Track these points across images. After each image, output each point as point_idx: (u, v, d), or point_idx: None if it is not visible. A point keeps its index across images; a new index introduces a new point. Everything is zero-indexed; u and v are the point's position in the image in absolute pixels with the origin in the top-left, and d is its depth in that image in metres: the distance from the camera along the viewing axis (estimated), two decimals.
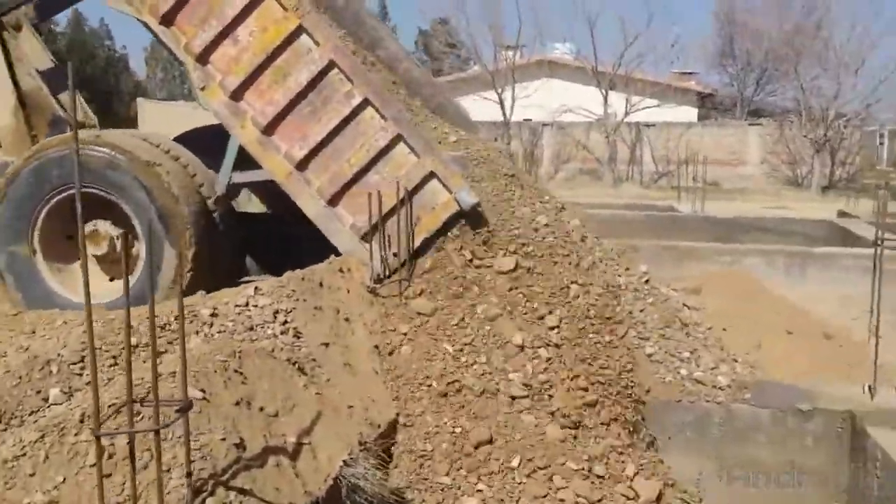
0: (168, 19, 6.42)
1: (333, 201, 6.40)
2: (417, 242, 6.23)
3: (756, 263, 10.45)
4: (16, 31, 7.73)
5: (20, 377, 3.76)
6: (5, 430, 3.50)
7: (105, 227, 6.53)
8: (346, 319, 5.37)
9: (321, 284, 5.38)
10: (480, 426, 5.03)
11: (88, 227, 6.49)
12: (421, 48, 48.99)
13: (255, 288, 5.14)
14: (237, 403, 3.84)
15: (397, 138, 6.29)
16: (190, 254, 6.31)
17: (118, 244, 6.50)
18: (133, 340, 4.16)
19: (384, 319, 5.56)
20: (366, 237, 6.27)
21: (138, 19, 6.54)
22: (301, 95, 6.36)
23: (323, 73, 6.32)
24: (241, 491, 3.45)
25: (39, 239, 6.52)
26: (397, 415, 5.05)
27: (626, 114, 31.29)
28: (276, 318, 4.91)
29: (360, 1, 8.34)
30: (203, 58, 6.45)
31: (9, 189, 6.47)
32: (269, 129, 6.43)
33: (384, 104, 6.34)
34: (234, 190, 6.96)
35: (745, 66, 39.93)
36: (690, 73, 40.48)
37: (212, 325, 4.65)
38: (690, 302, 7.32)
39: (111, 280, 6.63)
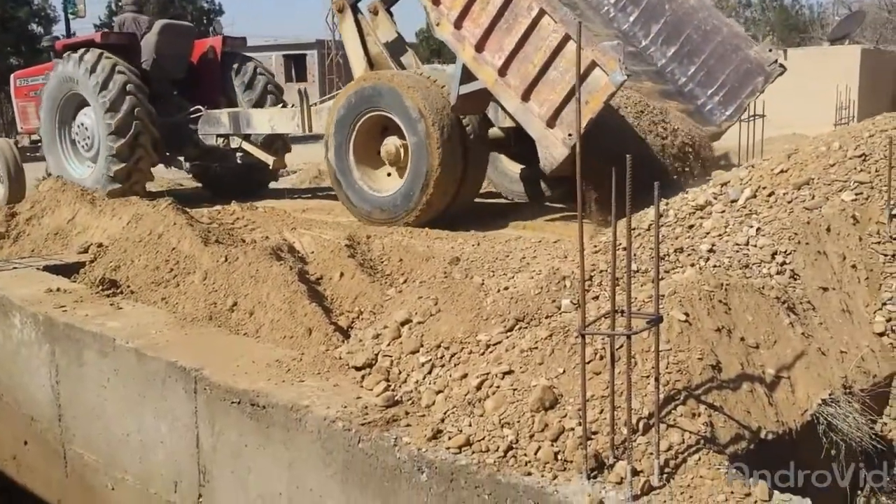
0: None
1: (525, 97, 8.00)
2: (584, 123, 7.26)
3: None
4: (374, 15, 10.53)
5: (541, 288, 4.58)
6: (526, 327, 4.35)
7: (393, 140, 9.11)
8: (853, 266, 5.24)
9: (828, 230, 5.31)
10: None
11: (385, 141, 9.24)
12: None
13: (757, 229, 5.31)
14: (717, 330, 4.16)
15: (566, 37, 7.65)
16: (437, 161, 8.59)
17: (402, 153, 9.00)
18: (634, 267, 4.74)
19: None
20: (549, 123, 7.88)
21: None
22: (499, 16, 8.07)
23: None
24: (712, 406, 3.80)
25: (354, 149, 9.33)
26: None
27: None
28: (773, 258, 5.02)
29: None
30: (436, 0, 8.49)
31: (337, 113, 9.39)
32: (479, 47, 8.25)
33: (555, 10, 7.79)
34: (465, 102, 8.76)
35: None
36: None
37: (708, 259, 4.98)
38: None
39: (401, 178, 9.09)
